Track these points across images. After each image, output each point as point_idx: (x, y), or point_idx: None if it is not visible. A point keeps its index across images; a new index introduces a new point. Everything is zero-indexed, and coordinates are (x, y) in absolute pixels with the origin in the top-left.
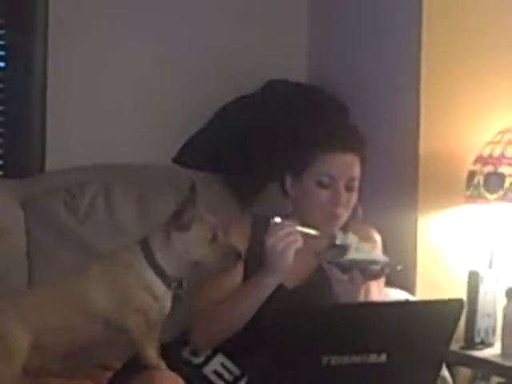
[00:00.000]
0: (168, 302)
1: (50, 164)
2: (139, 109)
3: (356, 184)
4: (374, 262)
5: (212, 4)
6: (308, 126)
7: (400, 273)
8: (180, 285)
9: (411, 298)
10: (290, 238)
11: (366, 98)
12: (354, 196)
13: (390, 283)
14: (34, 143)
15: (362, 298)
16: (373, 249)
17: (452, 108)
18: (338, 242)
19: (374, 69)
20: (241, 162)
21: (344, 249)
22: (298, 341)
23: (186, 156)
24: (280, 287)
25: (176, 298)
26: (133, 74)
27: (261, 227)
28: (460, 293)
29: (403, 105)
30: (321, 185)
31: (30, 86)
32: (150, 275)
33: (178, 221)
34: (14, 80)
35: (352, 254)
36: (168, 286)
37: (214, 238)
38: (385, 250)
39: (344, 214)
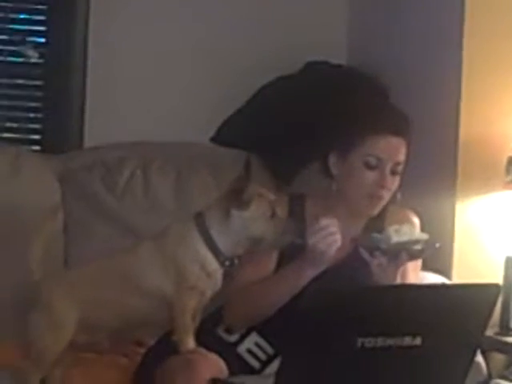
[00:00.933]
0: (219, 280)
1: (88, 140)
2: (179, 87)
3: (400, 168)
4: (417, 242)
5: None
6: (355, 107)
7: (437, 256)
8: (232, 263)
9: (447, 282)
10: (331, 239)
11: (407, 81)
12: (398, 180)
13: (426, 267)
14: (73, 119)
15: (398, 280)
16: (412, 228)
17: (493, 94)
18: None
19: (415, 52)
20: (280, 141)
21: (383, 234)
22: (332, 322)
23: (225, 135)
24: None
25: (226, 276)
26: (173, 52)
27: (297, 207)
28: (496, 278)
29: (444, 89)
30: (368, 166)
31: (70, 62)
32: (204, 251)
33: (238, 198)
34: (53, 55)
35: (394, 238)
36: (221, 263)
37: (273, 214)
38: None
39: (386, 197)
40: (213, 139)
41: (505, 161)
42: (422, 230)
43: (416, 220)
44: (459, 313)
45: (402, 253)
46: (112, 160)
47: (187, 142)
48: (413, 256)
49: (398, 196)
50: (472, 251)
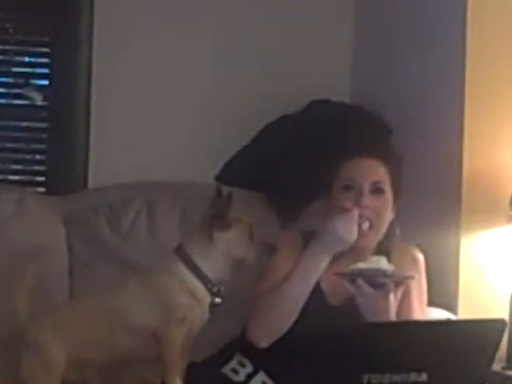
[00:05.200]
0: (207, 311)
1: (92, 181)
2: (183, 127)
3: (383, 187)
4: (379, 271)
5: (256, 23)
6: (336, 141)
7: (442, 292)
8: (219, 290)
9: (453, 317)
10: (352, 225)
11: (411, 117)
12: (383, 201)
13: (432, 303)
14: (77, 160)
15: (393, 317)
16: (379, 260)
17: (496, 128)
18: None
19: (418, 89)
20: (284, 180)
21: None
22: (339, 359)
23: (229, 174)
24: (324, 303)
25: (212, 307)
26: (176, 93)
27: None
28: (502, 313)
29: (447, 125)
30: (345, 188)
31: (74, 104)
32: (190, 278)
33: (220, 221)
34: (57, 97)
35: (355, 265)
36: (209, 289)
37: (252, 236)
38: (427, 270)
39: (372, 218)
40: (217, 178)
41: (509, 195)
42: (427, 265)
43: (420, 256)
44: (465, 348)
45: (360, 279)
46: (117, 201)
47: (191, 182)
48: (380, 286)
49: (397, 231)
50: (477, 286)
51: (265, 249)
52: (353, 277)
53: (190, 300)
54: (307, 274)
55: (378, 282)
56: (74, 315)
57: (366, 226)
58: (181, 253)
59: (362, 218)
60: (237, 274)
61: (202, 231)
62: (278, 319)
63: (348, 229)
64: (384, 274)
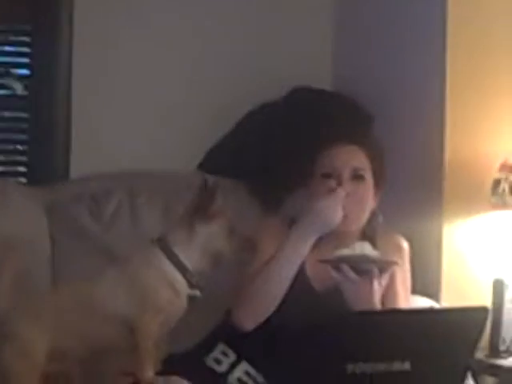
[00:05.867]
0: (185, 303)
1: (74, 171)
2: (165, 115)
3: (363, 174)
4: (363, 257)
5: (237, 11)
6: (317, 129)
7: (425, 280)
8: (198, 282)
9: (436, 305)
10: (337, 207)
11: (392, 105)
12: (363, 188)
13: (414, 291)
14: (59, 150)
15: (377, 303)
16: (363, 245)
17: (477, 116)
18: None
19: (399, 76)
20: (267, 168)
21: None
22: (322, 348)
23: (211, 162)
24: (310, 289)
25: (191, 299)
26: (157, 81)
27: None
28: (485, 301)
29: (429, 113)
30: (325, 175)
31: (55, 94)
32: (170, 269)
33: (202, 213)
34: (38, 87)
35: (339, 251)
36: (188, 281)
37: (232, 230)
38: (410, 258)
39: (353, 205)
40: (200, 167)
41: (490, 182)
42: (410, 253)
43: (405, 244)
44: (448, 336)
45: (344, 265)
46: (99, 190)
47: (174, 171)
48: (364, 272)
49: (380, 218)
50: (460, 274)
51: (245, 244)
52: (337, 263)
53: (168, 291)
54: (292, 256)
55: (362, 268)
56: (52, 304)
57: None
58: (162, 243)
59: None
60: (216, 266)
61: (183, 222)
62: (262, 301)
63: (333, 209)
64: (368, 259)
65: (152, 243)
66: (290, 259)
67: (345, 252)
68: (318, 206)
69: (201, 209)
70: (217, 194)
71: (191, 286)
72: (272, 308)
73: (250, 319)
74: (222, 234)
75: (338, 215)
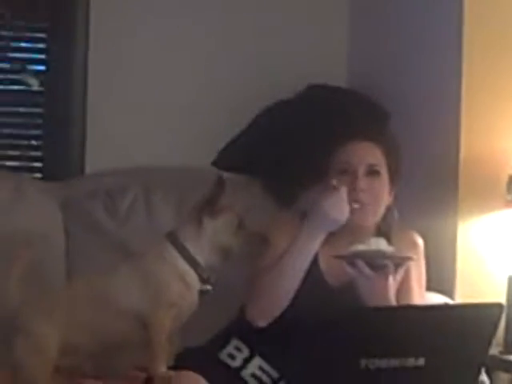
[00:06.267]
0: (196, 298)
1: (89, 166)
2: (179, 111)
3: (378, 169)
4: (379, 253)
5: (253, 9)
6: (332, 126)
7: (439, 276)
8: (209, 277)
9: (450, 302)
10: (343, 205)
11: (407, 102)
12: (379, 184)
13: (429, 288)
14: (74, 146)
15: (392, 299)
16: (378, 241)
17: (493, 112)
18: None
19: (415, 73)
20: (281, 165)
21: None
22: (336, 343)
23: (226, 159)
24: (323, 284)
25: (202, 293)
26: (173, 77)
27: None
28: (500, 297)
29: (444, 109)
30: (341, 172)
31: (70, 89)
32: (182, 264)
33: (210, 208)
34: (54, 83)
35: (354, 247)
36: (199, 275)
37: (240, 225)
38: (425, 255)
39: (369, 201)
40: (214, 164)
41: (506, 179)
42: (425, 250)
43: (420, 241)
44: (463, 333)
45: (359, 261)
46: (114, 186)
47: (189, 167)
48: (380, 267)
49: (396, 214)
50: (474, 270)
51: (255, 239)
52: (352, 259)
53: (180, 285)
54: (303, 253)
55: (377, 263)
56: (65, 299)
57: (356, 205)
58: (172, 238)
59: (356, 201)
60: (225, 261)
61: (192, 217)
62: (275, 297)
63: (338, 208)
64: (384, 255)
65: (163, 238)
66: (301, 255)
67: (360, 247)
68: (322, 205)
69: (208, 204)
70: (224, 189)
71: (202, 280)
72: (285, 303)
73: (263, 315)
74: (229, 229)
75: (343, 212)
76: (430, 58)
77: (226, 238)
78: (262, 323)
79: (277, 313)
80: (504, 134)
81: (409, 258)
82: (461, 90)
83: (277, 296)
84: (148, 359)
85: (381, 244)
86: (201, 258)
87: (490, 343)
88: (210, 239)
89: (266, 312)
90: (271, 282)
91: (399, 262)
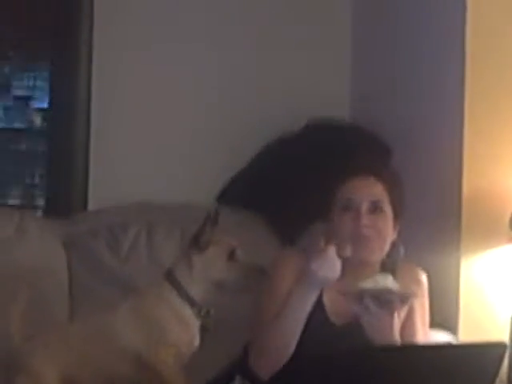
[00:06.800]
0: (197, 335)
1: (92, 203)
2: (182, 149)
3: (381, 206)
4: (386, 290)
5: (252, 44)
6: (334, 163)
7: (443, 313)
8: (207, 313)
9: (453, 339)
10: (331, 264)
11: (410, 137)
12: (382, 220)
13: (432, 324)
14: (76, 183)
15: (397, 336)
16: (386, 278)
17: (496, 148)
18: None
19: (417, 108)
20: (283, 202)
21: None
22: (340, 381)
23: (229, 196)
24: (328, 323)
25: (204, 330)
26: (175, 115)
27: None
28: (503, 335)
29: (447, 145)
30: (343, 209)
31: (73, 127)
32: (179, 303)
33: (196, 243)
34: (56, 121)
35: (362, 284)
36: (197, 313)
37: (231, 257)
38: (429, 290)
39: (373, 237)
40: (218, 199)
41: (509, 215)
42: (428, 286)
43: (424, 278)
44: (466, 372)
45: (367, 298)
46: (116, 223)
47: (191, 204)
48: (386, 304)
49: (401, 250)
50: (478, 307)
51: (251, 271)
52: (359, 296)
53: (178, 327)
54: (298, 310)
55: (385, 301)
56: (65, 337)
57: (347, 252)
58: (170, 277)
59: (360, 237)
60: (223, 296)
61: (184, 253)
62: (276, 354)
63: (327, 268)
64: (391, 293)
65: (161, 276)
66: (297, 312)
67: (368, 285)
68: (310, 267)
69: (195, 239)
70: (214, 223)
71: (200, 317)
72: (287, 356)
73: (265, 371)
74: (218, 262)
75: (334, 270)
76: (432, 95)
77: (216, 271)
78: (265, 377)
79: (280, 365)
80: (507, 171)
81: (414, 295)
82: (464, 126)
83: (278, 352)
84: None
85: (388, 281)
86: (196, 295)
87: (493, 382)
88: (201, 274)
89: (268, 367)
90: (271, 340)
91: (405, 299)
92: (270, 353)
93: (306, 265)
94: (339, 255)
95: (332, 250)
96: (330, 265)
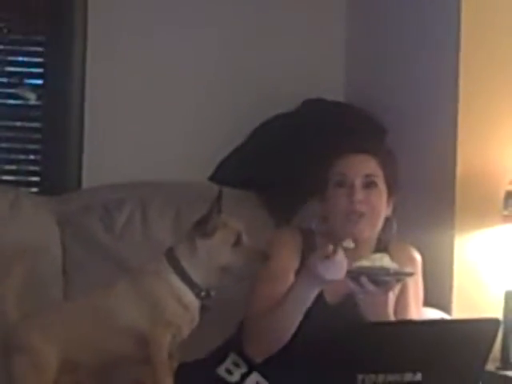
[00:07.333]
0: (196, 314)
1: (86, 181)
2: (177, 127)
3: (375, 180)
4: (383, 269)
5: (250, 24)
6: (329, 140)
7: (436, 291)
8: (208, 294)
9: (447, 317)
10: (337, 268)
11: (404, 117)
12: (376, 195)
13: (426, 302)
14: (71, 160)
15: (391, 313)
16: (382, 257)
17: (489, 128)
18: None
19: (411, 88)
20: (278, 179)
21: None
22: (333, 359)
23: (223, 174)
24: (321, 302)
25: (204, 310)
26: (170, 93)
27: (310, 240)
28: (496, 313)
29: (441, 124)
30: (338, 184)
31: (68, 104)
32: (179, 284)
33: (202, 228)
34: (51, 97)
35: (359, 262)
36: (196, 294)
37: (238, 242)
38: (422, 269)
39: (367, 213)
40: (211, 178)
41: (502, 195)
42: (422, 265)
43: (418, 256)
44: (459, 348)
45: (363, 277)
46: (110, 201)
47: (185, 182)
48: (383, 284)
49: (395, 225)
50: (471, 286)
51: (255, 256)
52: (356, 274)
53: (177, 305)
54: (298, 305)
55: (380, 279)
56: (64, 316)
57: (350, 244)
58: (170, 256)
59: (354, 212)
60: (226, 280)
61: (188, 236)
62: (272, 341)
63: (333, 271)
64: (388, 272)
65: (161, 255)
66: (297, 305)
67: (364, 263)
68: (317, 268)
69: (200, 224)
70: (216, 208)
71: (200, 299)
72: (282, 343)
73: (260, 355)
74: (224, 248)
75: (339, 273)
76: (427, 74)
77: (221, 256)
78: (259, 360)
79: (274, 350)
80: (501, 150)
81: (410, 274)
82: (458, 106)
83: (274, 340)
84: (151, 377)
85: (385, 261)
86: (198, 278)
87: (486, 359)
88: (205, 259)
89: (262, 352)
90: (268, 327)
91: (401, 278)
92: (265, 343)
93: (312, 266)
94: (343, 249)
95: (341, 254)
96: (337, 267)
